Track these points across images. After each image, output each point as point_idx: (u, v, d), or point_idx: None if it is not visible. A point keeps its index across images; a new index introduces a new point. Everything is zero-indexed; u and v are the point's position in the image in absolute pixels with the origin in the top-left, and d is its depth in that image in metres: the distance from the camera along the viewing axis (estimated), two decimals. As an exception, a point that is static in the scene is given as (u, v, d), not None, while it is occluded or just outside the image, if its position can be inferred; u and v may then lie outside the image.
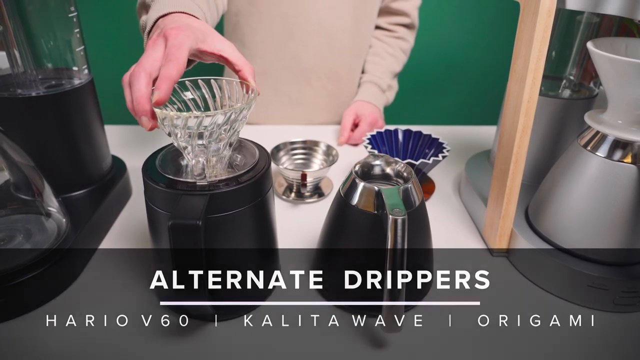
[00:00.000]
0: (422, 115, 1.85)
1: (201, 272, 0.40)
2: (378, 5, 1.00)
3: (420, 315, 0.49)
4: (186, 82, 0.47)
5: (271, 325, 0.48)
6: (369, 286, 0.47)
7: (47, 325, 0.47)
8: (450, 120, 1.87)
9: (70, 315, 0.49)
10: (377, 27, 1.04)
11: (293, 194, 0.71)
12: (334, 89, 1.00)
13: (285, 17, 0.91)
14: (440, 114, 1.88)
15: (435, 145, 0.72)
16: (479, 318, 0.49)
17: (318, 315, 0.49)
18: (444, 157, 0.67)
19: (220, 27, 0.92)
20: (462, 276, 0.55)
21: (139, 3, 0.65)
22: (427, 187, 0.73)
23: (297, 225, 0.64)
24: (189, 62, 0.47)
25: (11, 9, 0.54)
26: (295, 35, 0.92)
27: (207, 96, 0.48)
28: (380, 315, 0.42)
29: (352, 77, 1.02)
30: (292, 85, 0.98)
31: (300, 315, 0.49)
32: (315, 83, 0.99)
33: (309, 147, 0.76)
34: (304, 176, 0.67)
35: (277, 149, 0.74)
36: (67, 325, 0.47)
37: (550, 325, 0.49)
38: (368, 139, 0.73)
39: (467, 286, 0.54)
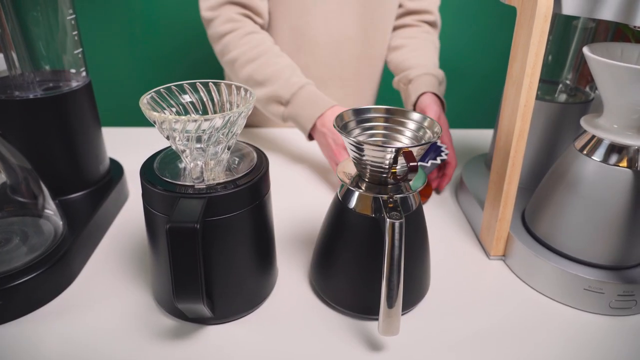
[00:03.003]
0: (419, 118, 1.85)
1: (198, 275, 0.40)
2: (391, 10, 0.99)
3: (417, 318, 0.49)
4: (184, 85, 0.47)
5: (268, 328, 0.48)
6: (366, 289, 0.47)
7: (44, 328, 0.47)
8: (448, 124, 1.87)
9: (68, 318, 0.49)
10: (405, 26, 1.02)
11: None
12: (342, 95, 1.01)
13: (294, 29, 0.91)
14: (438, 117, 1.88)
15: (433, 149, 0.72)
16: (475, 321, 0.50)
17: (315, 318, 0.49)
18: (442, 160, 0.67)
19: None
20: (459, 279, 0.56)
21: (267, 95, 0.78)
22: (425, 190, 0.73)
23: (295, 228, 0.64)
24: None
25: (9, 11, 0.54)
26: (304, 47, 0.93)
27: (205, 99, 0.48)
28: (377, 318, 0.42)
29: (360, 84, 1.02)
30: None
31: (297, 318, 0.49)
32: (324, 91, 0.99)
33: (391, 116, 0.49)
34: (408, 155, 0.41)
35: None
36: (64, 328, 0.47)
37: (547, 328, 0.49)
38: None
39: (464, 289, 0.54)
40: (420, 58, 0.93)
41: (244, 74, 0.80)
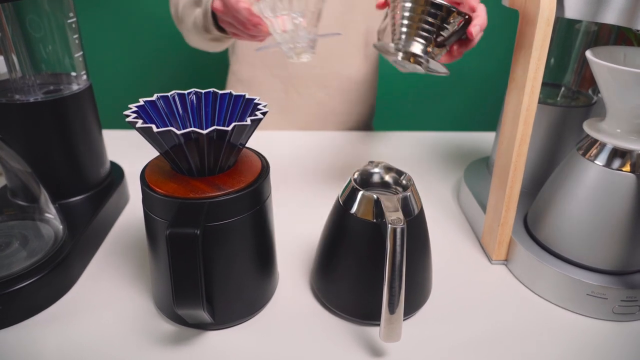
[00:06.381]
0: (421, 121, 1.85)
1: (199, 280, 0.40)
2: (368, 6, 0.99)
3: (419, 324, 0.49)
4: None
5: (269, 333, 0.48)
6: (367, 295, 0.47)
7: (44, 333, 0.47)
8: (449, 126, 1.87)
9: (67, 323, 0.48)
10: None
11: None
12: (322, 96, 0.99)
13: None
14: (440, 119, 1.88)
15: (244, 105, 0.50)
16: (478, 326, 0.49)
17: (316, 324, 0.49)
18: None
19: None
20: (461, 284, 0.55)
21: (188, 3, 0.75)
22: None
23: (296, 232, 0.64)
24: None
25: (10, 14, 0.54)
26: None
27: None
28: (379, 324, 0.42)
29: (341, 84, 1.00)
30: (280, 93, 0.98)
31: (298, 324, 0.49)
32: (303, 91, 0.98)
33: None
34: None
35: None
36: (63, 333, 0.47)
37: (549, 334, 0.48)
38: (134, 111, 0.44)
39: (465, 294, 0.54)
40: None
41: (180, 9, 0.79)
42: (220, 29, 0.70)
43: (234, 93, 0.48)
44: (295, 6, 0.55)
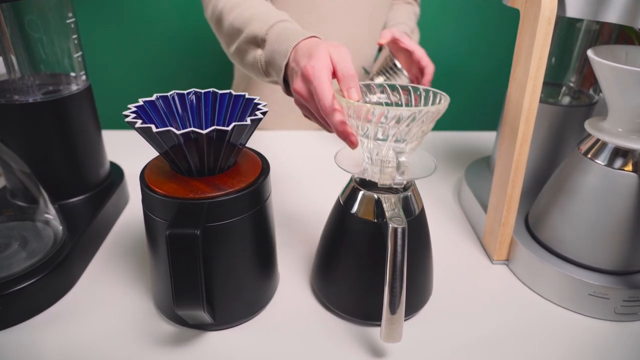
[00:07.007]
0: (421, 120, 1.85)
1: (199, 281, 0.40)
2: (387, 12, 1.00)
3: (420, 324, 0.49)
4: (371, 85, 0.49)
5: (269, 334, 0.47)
6: (368, 295, 0.47)
7: (44, 334, 0.47)
8: (450, 126, 1.87)
9: (67, 324, 0.48)
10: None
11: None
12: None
13: (303, 26, 0.91)
14: (440, 119, 1.88)
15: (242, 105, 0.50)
16: (479, 326, 0.49)
17: (317, 324, 0.49)
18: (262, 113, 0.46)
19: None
20: (462, 284, 0.55)
21: (245, 38, 0.64)
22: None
23: (297, 232, 0.64)
24: None
25: (9, 15, 0.54)
26: None
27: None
28: (380, 324, 0.42)
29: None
30: None
31: (299, 324, 0.49)
32: None
33: None
34: None
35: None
36: (63, 334, 0.47)
37: (551, 334, 0.48)
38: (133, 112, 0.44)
39: (466, 294, 0.54)
40: (396, 17, 0.99)
41: (227, 26, 0.68)
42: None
43: (234, 93, 0.48)
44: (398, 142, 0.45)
